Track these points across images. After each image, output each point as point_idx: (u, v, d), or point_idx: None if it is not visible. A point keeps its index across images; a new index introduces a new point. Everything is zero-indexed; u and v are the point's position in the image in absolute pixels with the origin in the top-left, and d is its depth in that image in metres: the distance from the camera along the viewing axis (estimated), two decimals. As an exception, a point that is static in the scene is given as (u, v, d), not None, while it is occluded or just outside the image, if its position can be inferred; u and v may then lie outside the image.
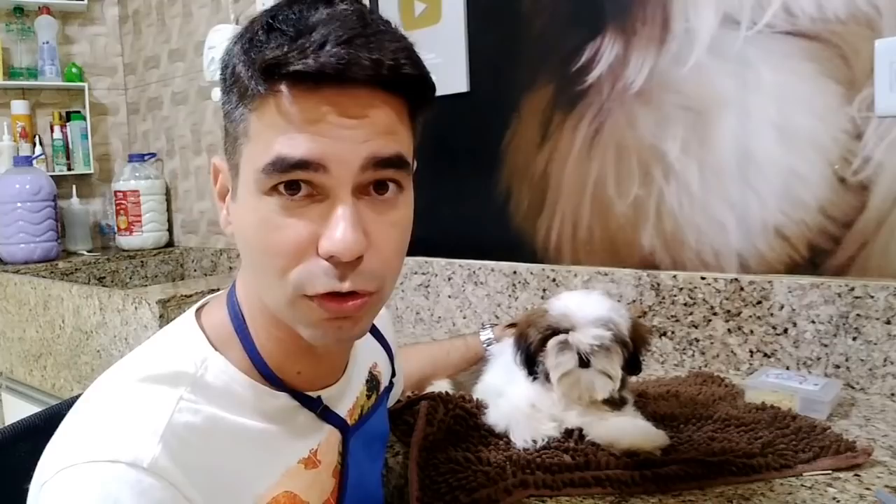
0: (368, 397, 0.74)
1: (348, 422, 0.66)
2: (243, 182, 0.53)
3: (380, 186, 0.52)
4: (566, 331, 0.82)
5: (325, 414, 0.62)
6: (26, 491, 0.50)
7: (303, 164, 0.49)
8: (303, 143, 0.49)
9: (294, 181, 0.50)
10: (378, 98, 0.51)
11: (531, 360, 0.86)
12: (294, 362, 0.59)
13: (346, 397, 0.67)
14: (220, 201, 0.58)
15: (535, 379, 0.85)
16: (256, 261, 0.53)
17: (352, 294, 0.52)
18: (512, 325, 0.97)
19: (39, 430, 0.73)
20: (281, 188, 0.50)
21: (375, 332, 0.80)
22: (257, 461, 0.56)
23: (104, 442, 0.48)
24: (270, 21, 0.51)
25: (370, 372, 0.76)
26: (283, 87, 0.49)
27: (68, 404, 0.77)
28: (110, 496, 0.45)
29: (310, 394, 0.61)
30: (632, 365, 0.85)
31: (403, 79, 0.51)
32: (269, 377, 0.58)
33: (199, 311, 0.62)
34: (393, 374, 0.84)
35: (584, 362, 0.81)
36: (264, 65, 0.49)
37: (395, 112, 0.52)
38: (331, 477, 0.64)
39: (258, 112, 0.51)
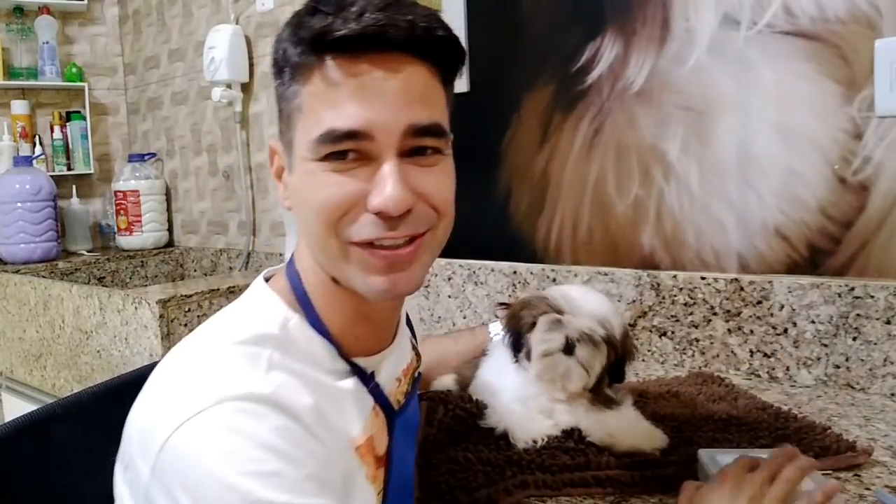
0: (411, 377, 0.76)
1: (394, 406, 0.69)
2: (297, 153, 0.58)
3: (420, 152, 0.57)
4: (561, 313, 0.82)
5: (375, 392, 0.65)
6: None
7: (351, 135, 0.54)
8: (350, 114, 0.54)
9: (343, 150, 0.55)
10: (414, 63, 0.56)
11: (519, 339, 0.85)
12: (353, 326, 0.63)
13: (398, 362, 0.71)
14: (278, 180, 0.63)
15: (517, 360, 0.85)
16: (311, 222, 0.58)
17: (402, 245, 0.57)
18: (504, 305, 0.94)
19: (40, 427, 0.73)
20: (331, 155, 0.55)
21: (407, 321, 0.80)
22: (344, 410, 0.61)
23: (217, 388, 0.53)
24: (315, 5, 0.56)
25: (410, 343, 0.77)
26: (329, 58, 0.55)
27: (68, 402, 0.77)
28: (237, 429, 0.51)
29: (363, 367, 0.64)
30: (616, 371, 0.85)
31: (436, 41, 0.57)
32: (332, 343, 0.62)
33: (266, 280, 0.67)
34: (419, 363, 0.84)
35: (568, 349, 0.80)
36: (311, 36, 0.54)
37: (429, 75, 0.57)
38: (384, 441, 0.67)
39: (308, 85, 0.56)
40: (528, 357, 0.84)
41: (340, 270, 0.59)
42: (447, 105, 0.60)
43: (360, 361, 0.64)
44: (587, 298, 0.84)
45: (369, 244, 0.57)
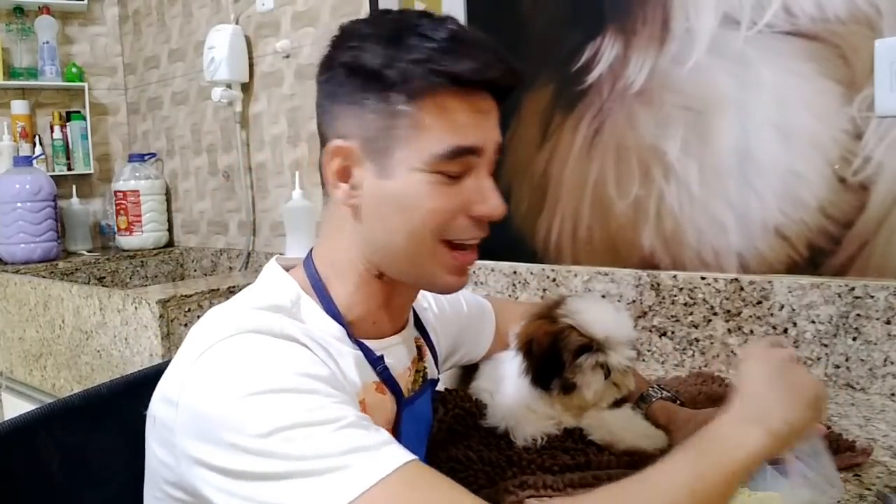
0: (417, 372, 0.80)
1: (403, 392, 0.73)
2: (401, 162, 0.64)
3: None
4: (599, 348, 0.82)
5: (384, 374, 0.71)
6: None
7: (471, 151, 0.64)
8: (470, 134, 0.64)
9: (456, 165, 0.64)
10: (493, 97, 0.68)
11: (551, 373, 0.83)
12: (374, 313, 0.71)
13: (409, 351, 0.78)
14: (340, 180, 0.67)
15: (549, 390, 0.84)
16: (410, 224, 0.65)
17: (472, 249, 0.69)
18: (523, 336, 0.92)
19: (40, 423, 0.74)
20: (446, 167, 0.64)
21: (423, 332, 0.84)
22: (348, 367, 0.67)
23: (235, 324, 0.60)
24: (423, 33, 0.63)
25: (415, 341, 0.82)
26: (455, 88, 0.63)
27: (68, 400, 0.78)
28: (259, 352, 0.58)
29: (373, 349, 0.70)
30: None
31: (517, 84, 0.68)
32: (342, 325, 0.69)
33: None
34: (437, 374, 0.88)
35: (607, 374, 0.83)
36: (458, 73, 0.62)
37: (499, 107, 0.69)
38: (389, 421, 0.72)
39: (427, 106, 0.63)
40: (565, 391, 0.83)
41: (421, 266, 0.67)
42: None
43: (371, 343, 0.70)
44: (618, 323, 0.84)
45: (455, 247, 0.67)
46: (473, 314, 0.99)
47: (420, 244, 0.66)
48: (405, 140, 0.63)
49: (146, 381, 0.86)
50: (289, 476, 0.52)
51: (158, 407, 0.62)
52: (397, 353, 0.74)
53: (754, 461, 0.57)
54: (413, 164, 0.64)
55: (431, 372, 0.84)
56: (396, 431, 0.72)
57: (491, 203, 0.66)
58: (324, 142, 0.69)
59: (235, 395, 0.55)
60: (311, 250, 0.73)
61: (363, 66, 0.63)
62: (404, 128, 0.63)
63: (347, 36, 0.66)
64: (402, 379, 0.74)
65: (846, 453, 0.79)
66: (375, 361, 0.70)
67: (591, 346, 0.82)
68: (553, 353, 0.83)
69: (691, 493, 0.54)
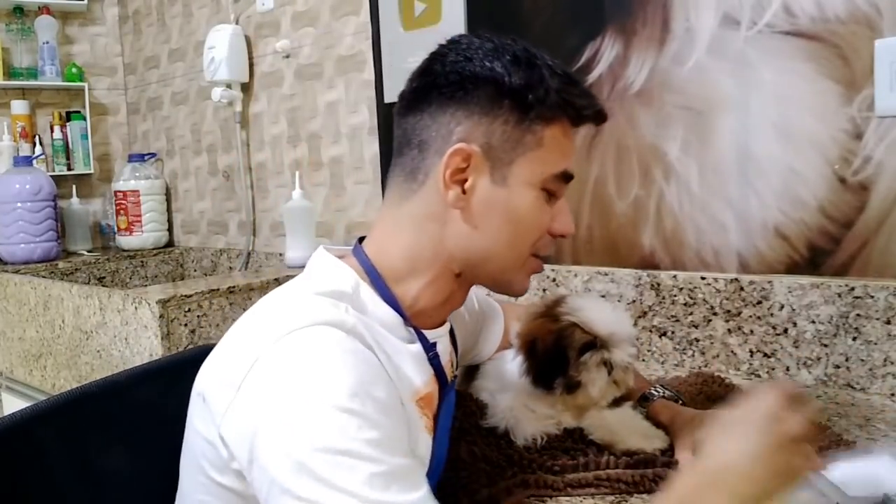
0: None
1: (448, 377, 0.77)
2: (517, 174, 0.70)
3: None
4: (602, 345, 0.82)
5: (434, 361, 0.74)
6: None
7: (571, 176, 0.73)
8: (571, 161, 0.73)
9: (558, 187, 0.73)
10: None
11: (554, 372, 0.83)
12: (437, 307, 0.75)
13: (448, 340, 0.81)
14: (456, 183, 0.69)
15: (550, 389, 0.84)
16: (510, 232, 0.71)
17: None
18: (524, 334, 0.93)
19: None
20: (551, 186, 0.71)
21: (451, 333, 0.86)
22: (409, 364, 0.70)
23: (309, 315, 0.62)
24: (548, 64, 0.71)
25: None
26: (571, 116, 0.72)
27: (68, 397, 0.78)
28: (330, 349, 0.60)
29: (427, 336, 0.74)
30: None
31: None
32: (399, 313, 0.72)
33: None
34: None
35: (609, 371, 0.83)
36: (585, 109, 0.72)
37: None
38: (434, 409, 0.75)
39: (551, 129, 0.70)
40: (569, 391, 0.83)
41: (507, 272, 0.74)
42: None
43: (426, 332, 0.74)
44: (619, 320, 0.85)
45: (539, 258, 0.75)
46: (486, 313, 1.01)
47: (518, 252, 0.73)
48: (528, 155, 0.70)
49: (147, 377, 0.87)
50: (309, 501, 0.54)
51: (212, 388, 0.64)
52: (443, 343, 0.78)
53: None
54: (528, 178, 0.70)
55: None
56: (436, 419, 0.75)
57: (568, 223, 0.75)
58: (420, 143, 0.71)
59: (302, 399, 0.57)
60: (360, 241, 0.76)
61: (504, 83, 0.69)
62: (530, 144, 0.70)
63: (473, 49, 0.71)
64: (447, 365, 0.78)
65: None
66: (429, 348, 0.73)
67: (596, 343, 0.83)
68: (557, 351, 0.83)
69: None
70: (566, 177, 0.73)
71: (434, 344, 0.74)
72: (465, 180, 0.69)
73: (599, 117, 0.75)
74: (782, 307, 1.10)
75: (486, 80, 0.69)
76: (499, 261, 0.72)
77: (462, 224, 0.71)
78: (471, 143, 0.69)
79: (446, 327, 0.79)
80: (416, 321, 0.73)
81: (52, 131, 2.43)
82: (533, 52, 0.71)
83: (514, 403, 0.87)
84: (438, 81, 0.71)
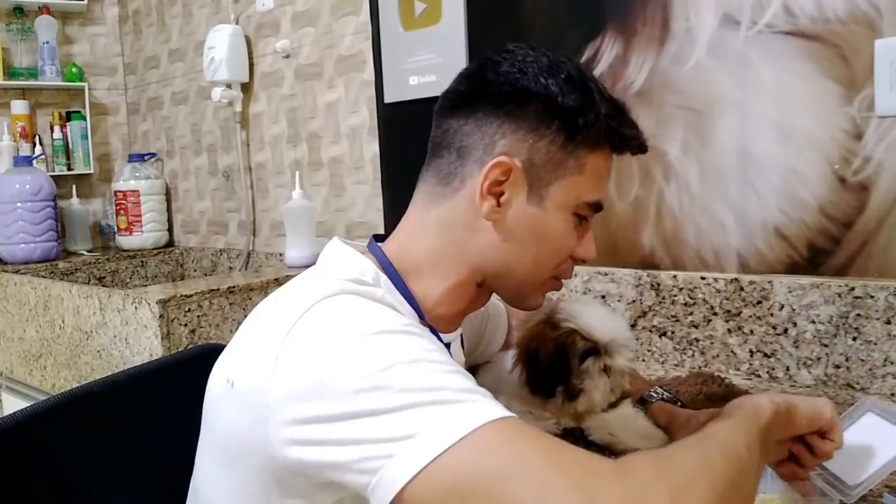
0: None
1: None
2: (553, 196, 0.70)
3: None
4: (603, 351, 0.82)
5: None
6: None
7: (602, 206, 0.74)
8: (605, 191, 0.74)
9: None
10: None
11: (555, 380, 0.83)
12: (455, 313, 0.76)
13: (459, 343, 0.82)
14: (491, 195, 0.69)
15: (551, 397, 0.83)
16: (538, 251, 0.72)
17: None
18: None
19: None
20: (583, 212, 0.72)
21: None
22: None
23: (338, 286, 0.62)
24: (599, 88, 0.70)
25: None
26: (614, 145, 0.72)
27: (68, 397, 0.78)
28: (362, 308, 0.60)
29: (442, 337, 0.74)
30: None
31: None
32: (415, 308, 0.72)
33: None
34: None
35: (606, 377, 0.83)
36: (630, 141, 0.73)
37: None
38: None
39: (593, 157, 0.70)
40: (570, 398, 0.83)
41: (526, 289, 0.75)
42: None
43: (441, 334, 0.74)
44: (618, 325, 0.85)
45: (557, 280, 0.76)
46: (490, 312, 1.01)
47: (541, 272, 0.73)
48: (567, 179, 0.69)
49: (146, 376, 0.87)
50: (406, 407, 0.52)
51: (243, 370, 0.60)
52: (456, 346, 0.79)
53: (771, 426, 0.61)
54: (563, 201, 0.70)
55: None
56: None
57: (592, 249, 0.75)
58: (460, 148, 0.71)
59: (351, 338, 0.56)
60: (375, 238, 0.76)
61: (557, 102, 0.68)
62: (572, 169, 0.69)
63: (528, 62, 0.69)
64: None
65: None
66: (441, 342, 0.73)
67: (597, 349, 0.82)
68: (558, 359, 0.82)
69: (748, 448, 0.56)
70: (598, 205, 0.73)
71: (448, 345, 0.75)
72: (502, 193, 0.69)
73: (642, 149, 0.75)
74: (782, 307, 1.10)
75: (538, 96, 0.68)
76: (520, 276, 0.73)
77: (491, 235, 0.70)
78: (513, 158, 0.68)
79: (459, 330, 0.79)
80: (432, 323, 0.73)
81: (52, 131, 2.43)
82: (586, 73, 0.70)
83: (513, 405, 0.87)
84: (489, 90, 0.70)
